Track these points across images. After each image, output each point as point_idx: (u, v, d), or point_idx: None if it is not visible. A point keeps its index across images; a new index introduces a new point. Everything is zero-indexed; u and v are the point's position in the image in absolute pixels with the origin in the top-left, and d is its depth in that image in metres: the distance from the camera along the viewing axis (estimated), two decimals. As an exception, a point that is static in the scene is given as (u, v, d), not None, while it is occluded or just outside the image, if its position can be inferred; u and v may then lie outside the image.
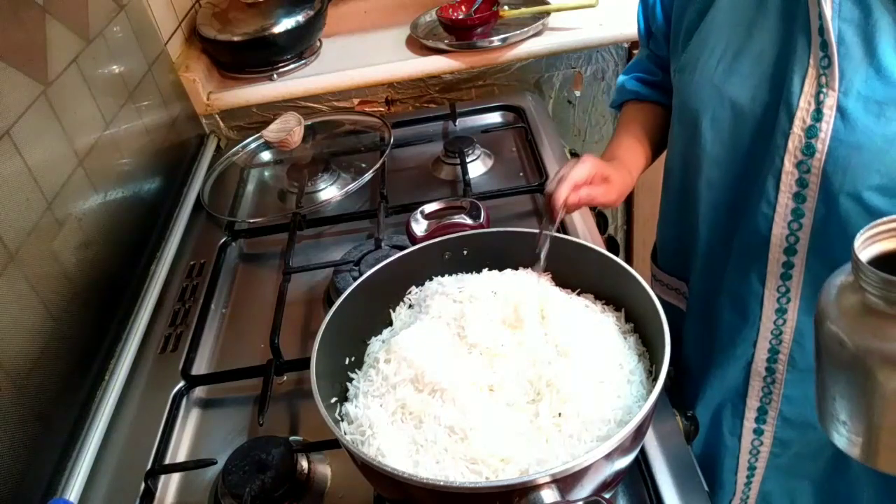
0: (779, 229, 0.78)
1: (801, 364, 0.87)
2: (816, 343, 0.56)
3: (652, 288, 0.70)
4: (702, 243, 0.90)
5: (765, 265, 0.81)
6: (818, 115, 0.72)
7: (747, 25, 0.77)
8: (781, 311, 0.84)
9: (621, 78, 1.07)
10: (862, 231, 0.51)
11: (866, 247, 0.51)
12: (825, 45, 0.70)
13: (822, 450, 0.93)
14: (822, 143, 0.72)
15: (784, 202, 0.77)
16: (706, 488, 0.73)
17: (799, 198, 0.76)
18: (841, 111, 0.70)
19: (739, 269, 0.85)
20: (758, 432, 0.95)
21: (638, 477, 0.74)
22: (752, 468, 1.00)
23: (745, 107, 0.78)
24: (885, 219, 0.51)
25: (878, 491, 0.90)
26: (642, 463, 0.74)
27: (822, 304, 0.54)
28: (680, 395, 1.04)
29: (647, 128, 1.01)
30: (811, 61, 0.71)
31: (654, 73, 1.02)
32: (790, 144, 0.74)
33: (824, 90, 0.71)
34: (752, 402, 0.93)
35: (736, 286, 0.86)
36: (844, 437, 0.55)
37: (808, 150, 0.74)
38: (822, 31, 0.69)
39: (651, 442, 0.76)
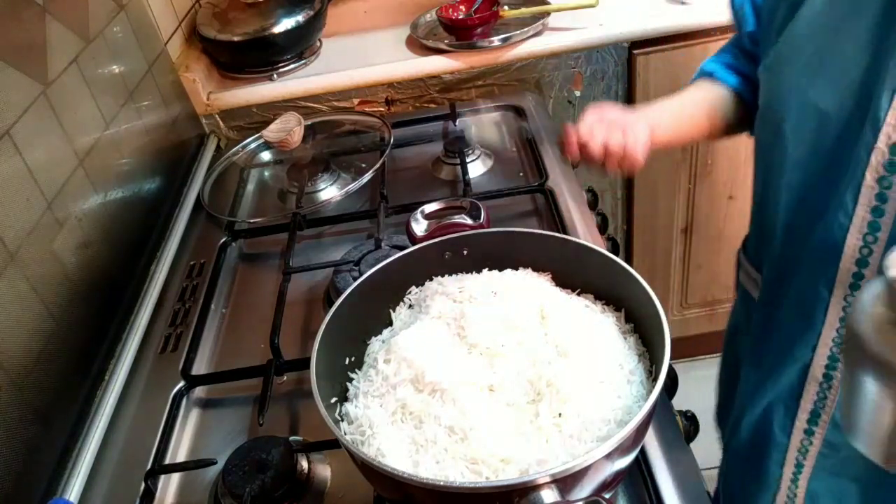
0: (853, 240, 0.76)
1: None
2: (845, 348, 0.56)
3: (737, 274, 0.66)
4: (777, 242, 0.89)
5: (835, 273, 0.79)
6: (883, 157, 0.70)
7: (839, 28, 0.73)
8: (844, 321, 0.82)
9: (706, 61, 1.04)
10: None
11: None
12: None
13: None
14: None
15: (861, 214, 0.74)
16: (706, 488, 0.73)
17: (877, 212, 0.73)
18: None
19: (809, 274, 0.83)
20: (808, 433, 0.95)
21: (638, 477, 0.74)
22: (799, 465, 0.99)
23: (830, 113, 0.75)
24: None
25: None
26: (642, 463, 0.74)
27: (855, 312, 0.54)
28: (733, 384, 1.03)
29: (699, 103, 0.99)
30: None
31: (737, 56, 0.99)
32: (873, 159, 0.71)
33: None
34: (806, 405, 0.92)
35: (803, 289, 0.84)
36: (864, 445, 0.56)
37: (892, 168, 0.71)
38: None
39: (651, 442, 0.76)
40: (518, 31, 1.48)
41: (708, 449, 1.78)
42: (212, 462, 0.81)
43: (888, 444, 0.55)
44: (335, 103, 1.52)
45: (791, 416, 0.96)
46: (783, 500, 1.04)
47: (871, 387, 0.53)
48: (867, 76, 0.71)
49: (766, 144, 0.87)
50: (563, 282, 0.80)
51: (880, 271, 0.51)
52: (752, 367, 1.00)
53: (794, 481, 1.02)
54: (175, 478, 0.85)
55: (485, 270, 0.81)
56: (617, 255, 0.77)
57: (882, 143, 0.71)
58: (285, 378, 0.93)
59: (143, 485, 0.81)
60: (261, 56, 1.52)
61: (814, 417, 0.95)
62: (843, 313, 0.82)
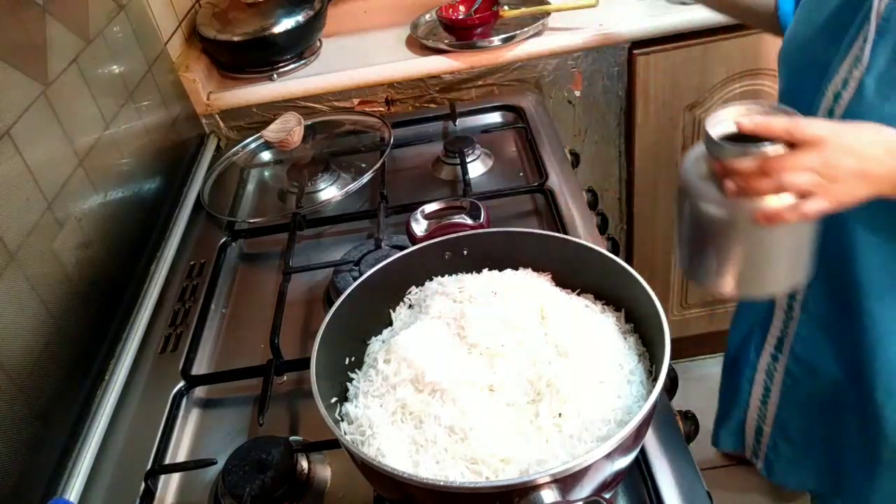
0: None
1: (814, 309, 0.97)
2: (677, 196, 0.73)
3: None
4: None
5: None
6: (845, 84, 0.78)
7: None
8: None
9: None
10: (713, 114, 0.68)
11: (713, 125, 0.68)
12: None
13: (835, 401, 1.01)
14: (840, 110, 0.80)
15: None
16: (706, 488, 0.73)
17: None
18: (861, 85, 0.77)
19: None
20: (774, 357, 1.06)
21: (638, 477, 0.74)
22: (767, 388, 1.09)
23: (817, 53, 0.83)
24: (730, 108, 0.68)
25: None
26: (642, 463, 0.74)
27: (683, 165, 0.72)
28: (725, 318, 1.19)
29: None
30: (861, 33, 0.76)
31: None
32: (822, 104, 0.82)
33: (858, 64, 0.77)
34: (774, 331, 1.04)
35: None
36: (695, 272, 0.75)
37: (830, 116, 0.81)
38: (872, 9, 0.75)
39: (651, 442, 0.76)
40: (518, 31, 1.48)
41: (708, 449, 1.79)
42: (212, 462, 0.81)
43: (688, 255, 0.75)
44: (335, 103, 1.52)
45: (763, 340, 1.07)
46: (754, 417, 1.15)
47: (686, 215, 0.73)
48: (841, 23, 0.81)
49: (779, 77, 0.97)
50: (563, 282, 0.80)
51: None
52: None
53: (763, 402, 1.13)
54: (175, 478, 0.85)
55: (485, 270, 0.81)
56: (617, 255, 0.77)
57: (830, 91, 0.82)
58: (285, 378, 0.93)
59: (143, 485, 0.81)
60: (261, 56, 1.52)
61: (779, 344, 1.05)
62: None
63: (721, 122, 0.68)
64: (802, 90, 0.86)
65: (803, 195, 0.66)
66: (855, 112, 0.78)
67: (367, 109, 1.51)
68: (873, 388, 0.94)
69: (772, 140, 0.65)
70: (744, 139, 0.66)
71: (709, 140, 0.67)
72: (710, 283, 0.74)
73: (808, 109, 0.84)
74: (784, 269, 0.73)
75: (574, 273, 0.79)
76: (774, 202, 0.65)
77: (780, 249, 0.70)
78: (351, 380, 0.74)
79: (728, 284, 0.73)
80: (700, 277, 0.75)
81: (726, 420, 1.22)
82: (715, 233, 0.70)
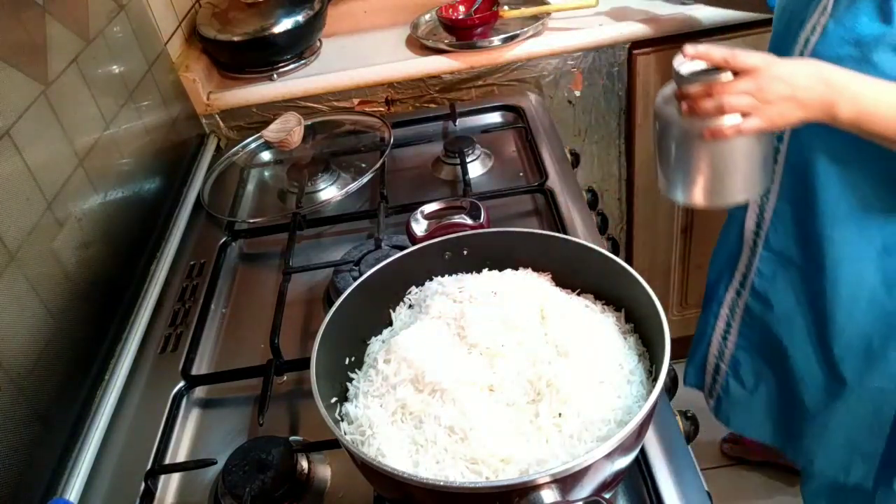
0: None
1: (775, 245, 1.04)
2: (656, 127, 0.85)
3: None
4: None
5: None
6: (813, 30, 0.88)
7: None
8: (767, 191, 1.01)
9: None
10: (682, 51, 0.79)
11: (682, 62, 0.80)
12: None
13: (789, 343, 1.07)
14: (808, 52, 0.88)
15: None
16: (706, 488, 0.73)
17: None
18: (825, 30, 0.86)
19: None
20: (738, 293, 1.13)
21: (638, 477, 0.74)
22: (728, 325, 1.17)
23: (799, 10, 0.91)
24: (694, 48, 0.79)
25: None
26: (642, 463, 0.74)
27: (657, 101, 0.84)
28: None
29: None
30: None
31: None
32: (796, 50, 0.90)
33: (825, 11, 0.87)
34: (741, 268, 1.11)
35: None
36: (670, 189, 0.87)
37: (801, 55, 0.89)
38: None
39: (651, 442, 0.76)
40: (518, 31, 1.48)
41: (708, 449, 1.79)
42: (212, 462, 0.81)
43: (663, 175, 0.88)
44: (335, 103, 1.52)
45: (731, 276, 1.13)
46: (714, 354, 1.21)
47: (657, 139, 0.86)
48: None
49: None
50: (563, 282, 0.80)
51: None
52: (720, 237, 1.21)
53: (724, 339, 1.19)
54: (175, 478, 0.85)
55: (485, 270, 0.81)
56: (617, 255, 0.77)
57: (802, 36, 0.90)
58: (285, 378, 0.93)
59: (143, 485, 0.81)
60: (261, 56, 1.52)
61: (744, 280, 1.10)
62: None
63: (690, 62, 0.81)
64: (786, 44, 0.94)
65: (743, 115, 0.78)
66: (819, 53, 0.87)
67: (367, 109, 1.51)
68: (834, 312, 1.00)
69: (720, 70, 0.78)
70: (707, 74, 0.79)
71: (674, 72, 0.80)
72: (683, 197, 0.87)
73: (786, 55, 0.92)
74: (741, 179, 0.84)
75: (574, 273, 0.79)
76: (722, 121, 0.78)
77: (734, 161, 0.82)
78: (351, 380, 0.74)
79: (697, 196, 0.85)
80: (674, 193, 0.87)
81: (693, 356, 1.28)
82: (678, 149, 0.84)
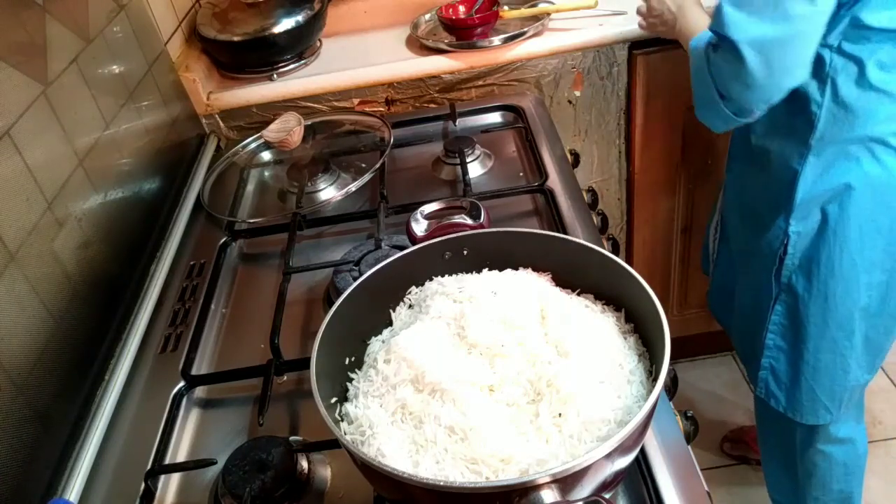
0: None
1: (727, 177, 1.32)
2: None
3: None
4: None
5: None
6: None
7: None
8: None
9: None
10: None
11: None
12: None
13: (753, 270, 1.26)
14: None
15: None
16: (706, 488, 0.73)
17: None
18: None
19: None
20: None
21: (638, 477, 0.74)
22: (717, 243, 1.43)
23: None
24: None
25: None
26: (642, 463, 0.74)
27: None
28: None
29: None
30: None
31: None
32: None
33: None
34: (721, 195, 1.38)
35: None
36: None
37: None
38: None
39: (651, 442, 0.76)
40: (518, 31, 1.48)
41: (708, 449, 1.79)
42: (212, 462, 0.81)
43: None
44: (335, 103, 1.52)
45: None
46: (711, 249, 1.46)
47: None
48: None
49: None
50: (563, 282, 0.80)
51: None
52: None
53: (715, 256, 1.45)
54: (175, 478, 0.85)
55: (485, 270, 0.81)
56: (617, 255, 0.77)
57: None
58: (285, 378, 0.93)
59: (143, 485, 0.81)
60: (261, 56, 1.52)
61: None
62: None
63: None
64: None
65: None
66: None
67: (366, 109, 1.51)
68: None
69: None
70: None
71: None
72: None
73: None
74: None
75: (574, 273, 0.79)
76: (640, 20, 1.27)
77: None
78: (351, 380, 0.74)
79: None
80: None
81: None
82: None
